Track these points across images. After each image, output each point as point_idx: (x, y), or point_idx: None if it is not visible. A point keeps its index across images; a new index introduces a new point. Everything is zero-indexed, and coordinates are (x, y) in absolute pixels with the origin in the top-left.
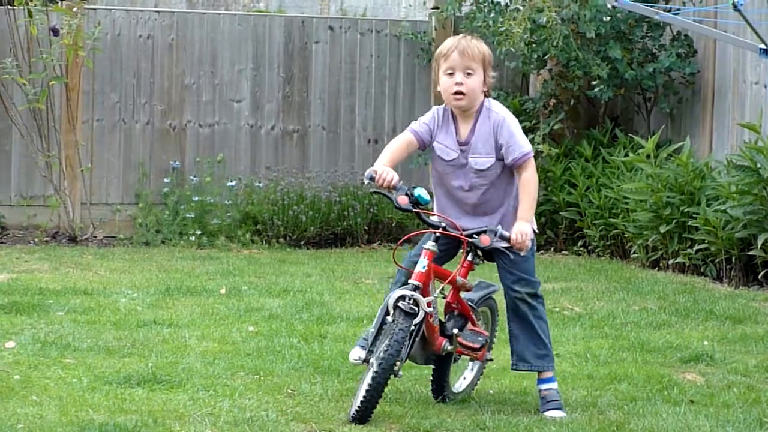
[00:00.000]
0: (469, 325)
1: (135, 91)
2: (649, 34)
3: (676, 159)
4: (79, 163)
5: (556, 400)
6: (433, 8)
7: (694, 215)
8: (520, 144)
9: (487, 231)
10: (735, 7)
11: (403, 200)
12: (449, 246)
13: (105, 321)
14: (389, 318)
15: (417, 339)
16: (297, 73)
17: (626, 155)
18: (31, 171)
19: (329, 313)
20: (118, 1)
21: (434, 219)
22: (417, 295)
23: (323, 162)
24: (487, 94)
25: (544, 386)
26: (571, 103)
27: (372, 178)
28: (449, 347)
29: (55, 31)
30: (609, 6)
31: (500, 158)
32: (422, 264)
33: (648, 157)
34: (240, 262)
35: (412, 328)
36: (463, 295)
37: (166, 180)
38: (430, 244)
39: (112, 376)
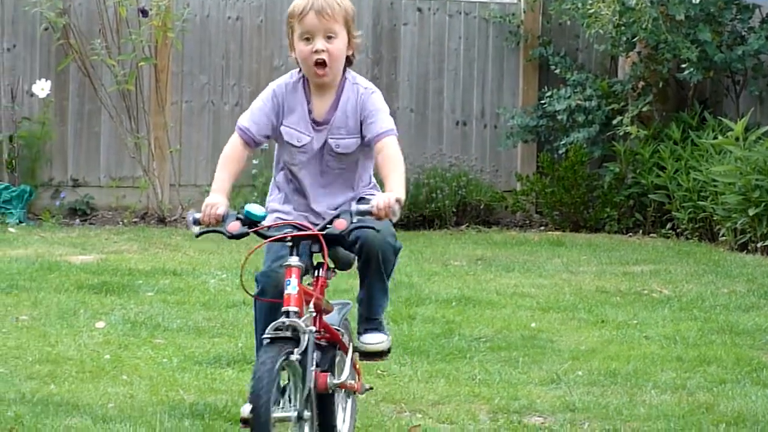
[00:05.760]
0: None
1: (224, 73)
2: (738, 17)
3: (765, 142)
4: (168, 145)
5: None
6: None
7: None
8: (385, 120)
9: (341, 214)
10: None
11: (233, 227)
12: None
13: (194, 301)
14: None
15: (309, 371)
16: (385, 54)
17: (715, 138)
18: (121, 152)
19: (418, 294)
20: None
21: (277, 229)
22: (293, 319)
23: (411, 144)
24: (352, 59)
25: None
26: (660, 85)
27: (197, 221)
28: (336, 381)
29: (144, 12)
30: None
31: (363, 137)
32: (292, 285)
33: (737, 139)
34: None
35: (296, 357)
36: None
37: (254, 161)
38: (293, 259)
39: (202, 356)
